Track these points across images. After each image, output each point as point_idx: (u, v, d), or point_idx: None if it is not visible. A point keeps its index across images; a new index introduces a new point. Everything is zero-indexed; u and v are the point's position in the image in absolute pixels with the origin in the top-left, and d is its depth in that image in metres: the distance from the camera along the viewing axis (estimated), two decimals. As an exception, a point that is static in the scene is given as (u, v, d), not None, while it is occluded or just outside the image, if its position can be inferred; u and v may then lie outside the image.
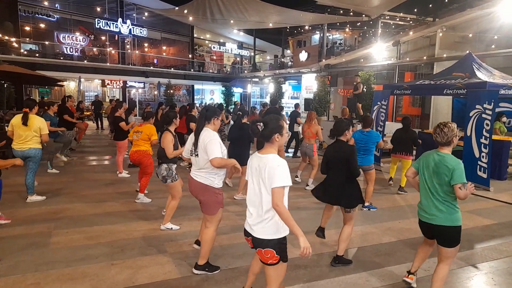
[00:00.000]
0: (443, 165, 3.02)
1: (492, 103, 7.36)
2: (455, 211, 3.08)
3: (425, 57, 14.67)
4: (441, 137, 3.08)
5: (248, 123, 6.58)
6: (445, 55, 13.67)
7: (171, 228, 4.94)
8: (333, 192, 4.07)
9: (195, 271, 3.76)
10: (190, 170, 3.86)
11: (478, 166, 7.61)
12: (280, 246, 2.50)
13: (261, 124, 2.58)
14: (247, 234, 2.66)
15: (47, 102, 9.36)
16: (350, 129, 4.16)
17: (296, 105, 12.29)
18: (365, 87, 15.23)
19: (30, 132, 5.76)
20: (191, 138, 3.82)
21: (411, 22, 20.36)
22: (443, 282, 3.18)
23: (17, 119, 5.83)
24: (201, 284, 3.58)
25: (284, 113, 21.42)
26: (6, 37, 20.97)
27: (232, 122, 11.14)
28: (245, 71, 31.49)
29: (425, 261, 3.71)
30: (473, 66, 8.73)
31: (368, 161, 5.93)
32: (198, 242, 4.03)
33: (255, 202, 2.54)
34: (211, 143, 3.52)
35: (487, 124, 7.47)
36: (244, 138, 6.37)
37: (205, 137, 3.59)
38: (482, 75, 8.37)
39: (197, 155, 3.66)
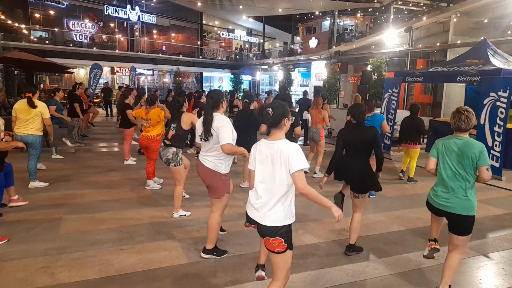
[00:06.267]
0: (468, 148, 2.94)
1: (508, 91, 7.17)
2: (473, 199, 3.01)
3: (438, 44, 14.33)
4: (466, 124, 3.01)
5: (255, 109, 6.50)
6: (459, 42, 13.35)
7: (184, 215, 4.95)
8: (349, 175, 3.93)
9: (204, 255, 3.81)
10: (198, 157, 3.87)
11: (491, 155, 7.45)
12: (287, 234, 2.50)
13: (270, 109, 2.53)
14: (251, 221, 2.63)
15: (53, 89, 9.42)
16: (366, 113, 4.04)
17: (305, 93, 12.17)
18: (375, 74, 15.01)
19: (31, 117, 5.76)
20: (199, 123, 3.78)
21: (424, 7, 19.85)
22: (454, 271, 3.14)
23: (20, 103, 5.83)
24: (209, 270, 3.59)
25: (293, 100, 21.36)
26: (16, 24, 21.06)
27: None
28: (254, 58, 31.24)
29: (435, 253, 3.69)
30: (488, 53, 8.49)
31: None
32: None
33: (266, 190, 2.51)
34: (224, 128, 3.55)
35: (501, 112, 7.29)
36: (251, 125, 6.23)
37: (218, 122, 3.61)
38: (497, 62, 8.14)
39: (206, 139, 3.67)
